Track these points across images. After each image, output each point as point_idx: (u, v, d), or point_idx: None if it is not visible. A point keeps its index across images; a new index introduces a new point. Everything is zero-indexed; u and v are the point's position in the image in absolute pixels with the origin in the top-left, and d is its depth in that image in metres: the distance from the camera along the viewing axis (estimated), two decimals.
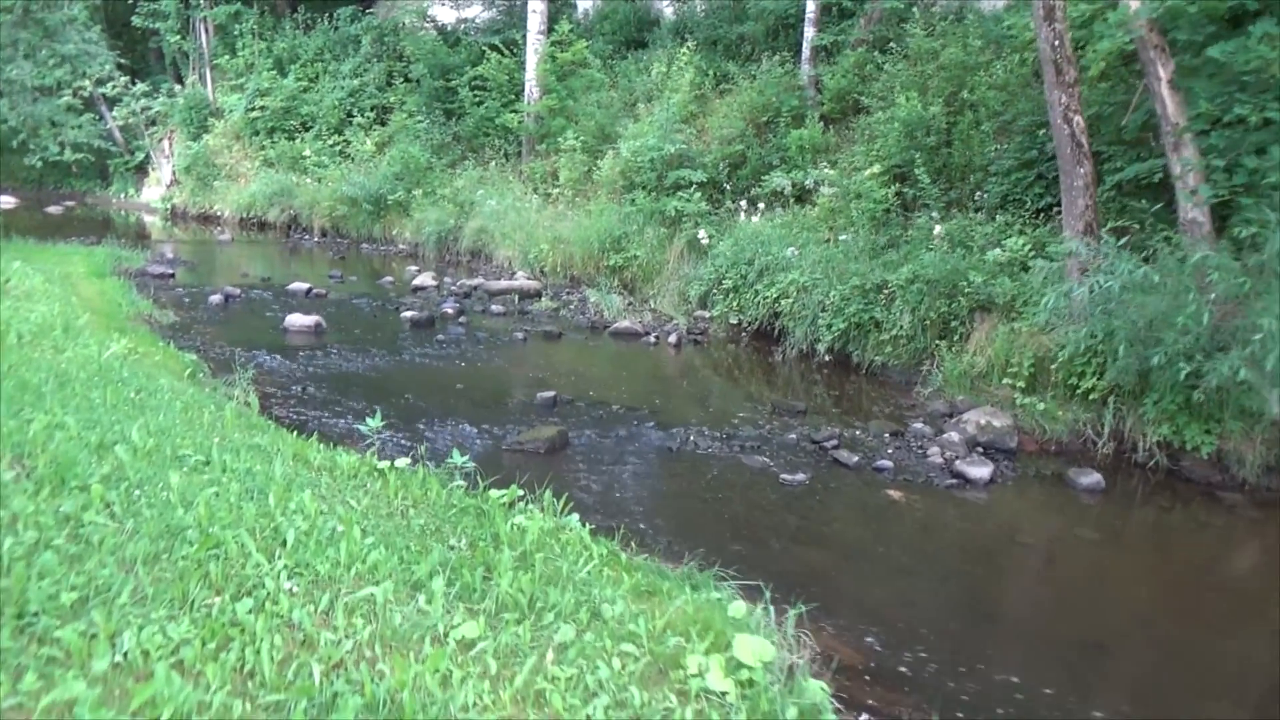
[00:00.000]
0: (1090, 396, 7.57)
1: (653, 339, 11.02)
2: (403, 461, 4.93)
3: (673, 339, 10.98)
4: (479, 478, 4.71)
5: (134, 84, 24.42)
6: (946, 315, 9.22)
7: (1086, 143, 8.25)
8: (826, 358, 9.98)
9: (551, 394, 7.98)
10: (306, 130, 21.81)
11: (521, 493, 4.53)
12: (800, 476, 6.31)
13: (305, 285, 13.18)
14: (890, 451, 7.03)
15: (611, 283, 13.18)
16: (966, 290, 9.00)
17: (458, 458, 4.86)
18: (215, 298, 12.06)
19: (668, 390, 9.03)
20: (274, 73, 22.69)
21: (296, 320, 10.64)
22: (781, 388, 9.49)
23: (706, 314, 11.82)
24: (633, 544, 4.45)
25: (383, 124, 20.79)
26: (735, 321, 11.28)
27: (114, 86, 24.04)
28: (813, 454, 6.91)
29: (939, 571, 5.30)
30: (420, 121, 19.63)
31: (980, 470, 6.52)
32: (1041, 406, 7.73)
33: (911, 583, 5.12)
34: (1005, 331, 8.49)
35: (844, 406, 8.55)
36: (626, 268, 13.40)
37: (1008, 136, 11.50)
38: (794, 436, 7.26)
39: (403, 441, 6.66)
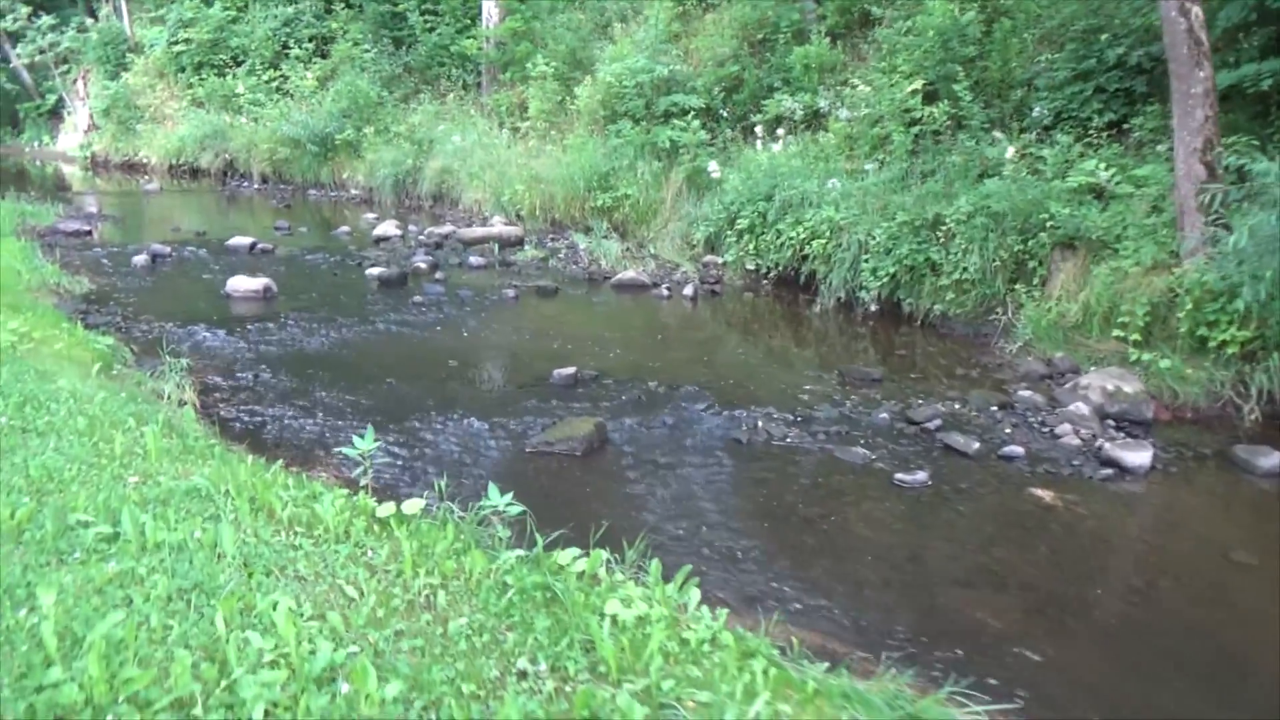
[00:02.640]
0: (1226, 350, 6.22)
1: (664, 291, 9.44)
2: (413, 504, 3.35)
3: (688, 291, 9.41)
4: (534, 530, 3.15)
5: (38, 17, 21.87)
6: (1021, 254, 7.83)
7: (1206, 39, 6.77)
8: (873, 308, 8.53)
9: (571, 370, 6.39)
10: (238, 65, 19.73)
11: (606, 554, 3.02)
12: (920, 476, 4.84)
13: (248, 240, 11.37)
14: (1009, 431, 5.59)
15: (602, 226, 11.54)
16: (1048, 224, 7.58)
17: (496, 496, 3.31)
18: (140, 258, 10.21)
19: (705, 357, 7.44)
20: (198, 1, 20.31)
21: (241, 284, 8.87)
22: (835, 347, 7.99)
23: (717, 259, 10.29)
24: (793, 639, 2.91)
25: (324, 56, 18.86)
26: (753, 268, 9.77)
27: (15, 20, 21.52)
28: (917, 439, 5.44)
29: (1171, 625, 3.67)
30: (367, 51, 17.72)
31: (1138, 456, 5.11)
32: (1166, 364, 6.36)
33: (1150, 649, 3.47)
34: (1105, 272, 7.08)
35: (918, 370, 7.08)
36: (617, 208, 11.79)
37: (1052, 45, 10.10)
38: (885, 416, 5.78)
39: (395, 451, 5.04)
